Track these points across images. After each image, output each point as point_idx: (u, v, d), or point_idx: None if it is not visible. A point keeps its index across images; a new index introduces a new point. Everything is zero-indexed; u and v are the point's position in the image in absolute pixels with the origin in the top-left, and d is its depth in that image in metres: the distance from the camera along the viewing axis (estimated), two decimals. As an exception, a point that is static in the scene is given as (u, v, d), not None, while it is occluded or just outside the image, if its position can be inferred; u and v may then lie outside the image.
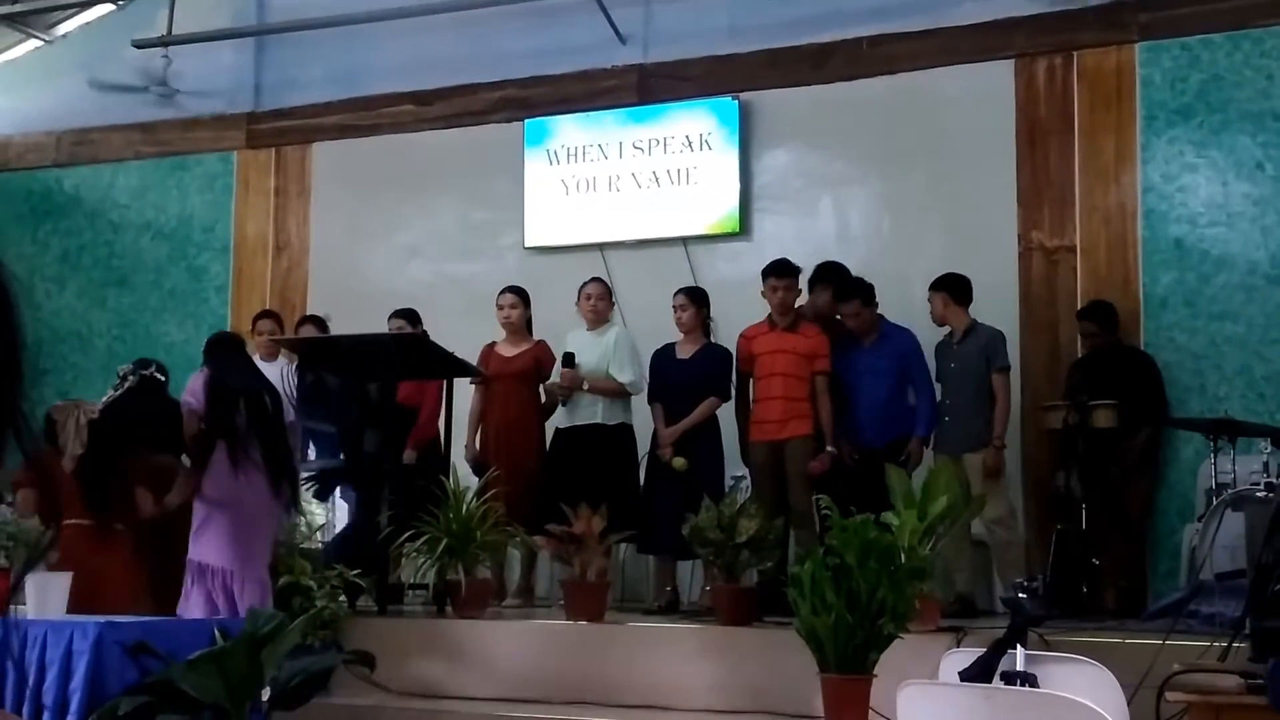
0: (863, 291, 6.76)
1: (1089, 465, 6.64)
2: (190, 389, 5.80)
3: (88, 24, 10.21)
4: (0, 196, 10.22)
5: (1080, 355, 7.14)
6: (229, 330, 7.87)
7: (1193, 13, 7.42)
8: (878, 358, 6.74)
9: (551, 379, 7.02)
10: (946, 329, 6.90)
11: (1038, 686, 3.12)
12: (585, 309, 7.03)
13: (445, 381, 6.90)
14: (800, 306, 6.90)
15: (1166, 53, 7.49)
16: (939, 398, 6.74)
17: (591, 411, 6.82)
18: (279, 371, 7.65)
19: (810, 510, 6.60)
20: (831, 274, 7.02)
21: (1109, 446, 6.87)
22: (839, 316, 6.87)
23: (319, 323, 7.78)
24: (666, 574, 6.74)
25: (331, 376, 7.04)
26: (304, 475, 6.62)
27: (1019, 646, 3.25)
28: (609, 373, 6.83)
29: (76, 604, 4.85)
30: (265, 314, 8.16)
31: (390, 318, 7.50)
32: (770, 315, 6.77)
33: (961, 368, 6.68)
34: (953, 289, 6.80)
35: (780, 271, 6.78)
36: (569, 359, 6.79)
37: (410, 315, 7.49)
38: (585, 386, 6.80)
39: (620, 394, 6.83)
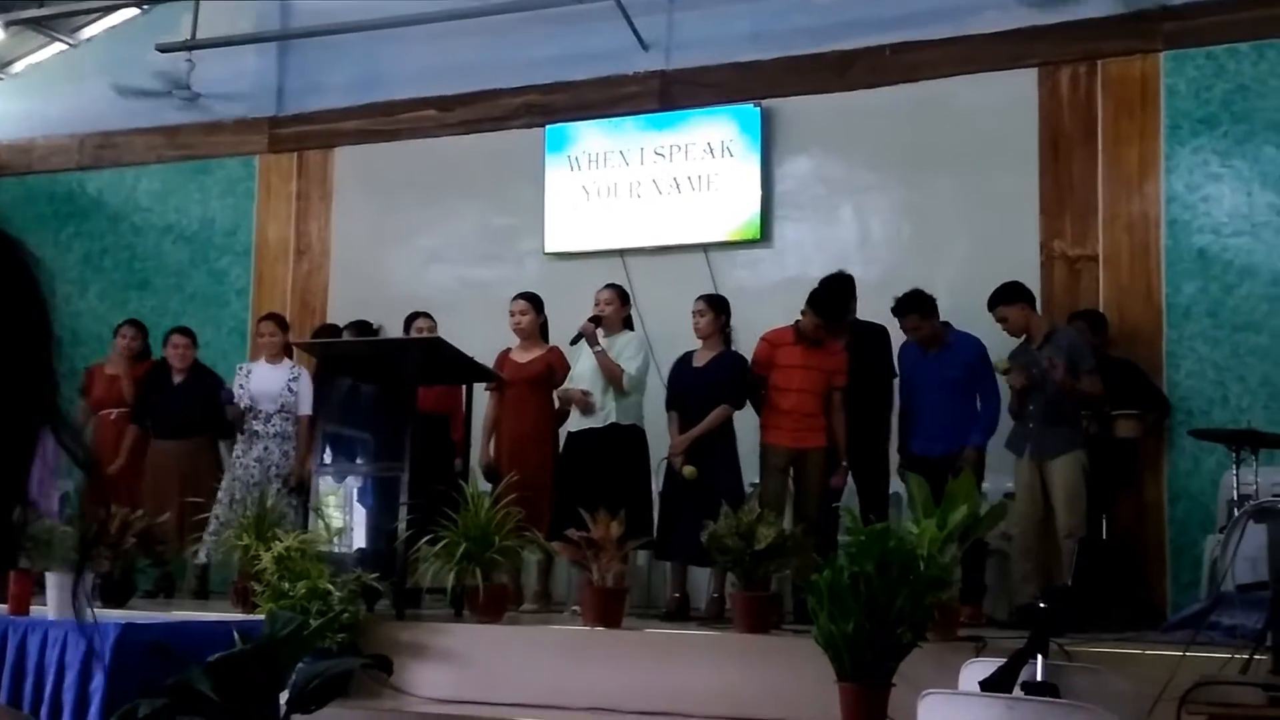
0: (919, 306, 6.67)
1: (1110, 475, 6.59)
2: None
3: (112, 28, 10.28)
4: (23, 199, 10.28)
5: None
6: None
7: (1217, 22, 7.38)
8: (943, 367, 6.66)
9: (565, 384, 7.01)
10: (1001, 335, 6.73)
11: (1059, 697, 3.11)
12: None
13: (466, 387, 6.91)
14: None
15: (1191, 62, 7.45)
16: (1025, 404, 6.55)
17: (605, 414, 6.81)
18: (285, 374, 7.69)
19: (819, 520, 6.60)
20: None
21: (1129, 456, 6.83)
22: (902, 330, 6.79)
23: (365, 328, 7.81)
24: (677, 580, 6.74)
25: (351, 381, 7.03)
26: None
27: (1039, 657, 3.24)
28: (618, 361, 6.82)
29: None
30: (267, 316, 8.19)
31: (411, 319, 7.53)
32: (798, 325, 6.74)
33: (1044, 373, 6.49)
34: (1028, 297, 6.63)
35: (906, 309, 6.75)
36: (596, 320, 6.83)
37: (428, 318, 7.55)
38: (597, 348, 6.77)
39: (618, 382, 6.78)
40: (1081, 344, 6.54)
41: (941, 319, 6.79)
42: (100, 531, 6.22)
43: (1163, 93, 7.49)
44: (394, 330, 7.75)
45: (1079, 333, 6.70)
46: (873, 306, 7.05)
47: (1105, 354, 6.95)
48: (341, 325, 8.30)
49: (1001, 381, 6.62)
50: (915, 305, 6.68)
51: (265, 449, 7.53)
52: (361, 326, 7.66)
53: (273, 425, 7.57)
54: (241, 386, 7.69)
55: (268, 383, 7.64)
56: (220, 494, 7.45)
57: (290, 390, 7.61)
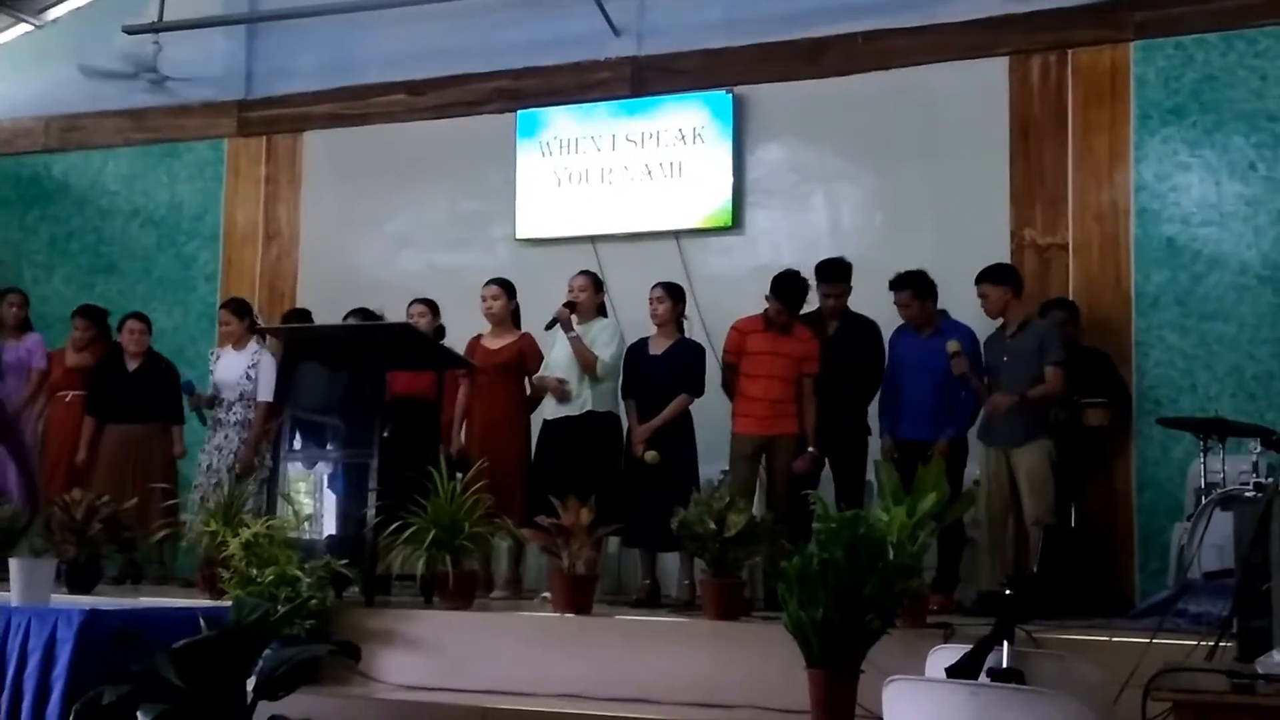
0: (914, 284, 6.65)
1: (1078, 463, 6.62)
2: None
3: (78, 9, 10.15)
4: (-11, 182, 10.17)
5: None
6: None
7: (1188, 12, 7.41)
8: (932, 354, 6.63)
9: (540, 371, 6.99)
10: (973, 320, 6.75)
11: (1024, 683, 3.12)
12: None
13: (444, 373, 6.87)
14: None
15: (1161, 52, 7.48)
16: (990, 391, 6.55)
17: (581, 402, 6.79)
18: (246, 360, 7.62)
19: (789, 508, 6.60)
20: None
21: (1097, 445, 6.87)
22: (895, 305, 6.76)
23: (369, 317, 7.70)
24: (646, 566, 6.74)
25: (324, 366, 6.96)
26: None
27: (1006, 643, 3.25)
28: (592, 347, 6.80)
29: None
30: (225, 304, 8.12)
31: (411, 304, 7.46)
32: (766, 313, 6.73)
33: (1015, 361, 6.46)
34: (1015, 282, 6.62)
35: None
36: (571, 305, 6.82)
37: (431, 305, 7.47)
38: (572, 334, 6.76)
39: (591, 368, 6.76)
40: (1054, 336, 6.54)
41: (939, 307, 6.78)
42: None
43: (1132, 82, 7.52)
44: (397, 317, 7.59)
45: (1055, 324, 6.71)
46: (844, 294, 7.05)
47: (1077, 343, 6.98)
48: (311, 310, 8.23)
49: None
50: (911, 283, 6.66)
51: (226, 437, 7.49)
52: (364, 314, 7.59)
53: (234, 413, 7.52)
54: (212, 372, 7.65)
55: (229, 370, 7.60)
56: (195, 481, 7.47)
57: (248, 377, 7.55)
